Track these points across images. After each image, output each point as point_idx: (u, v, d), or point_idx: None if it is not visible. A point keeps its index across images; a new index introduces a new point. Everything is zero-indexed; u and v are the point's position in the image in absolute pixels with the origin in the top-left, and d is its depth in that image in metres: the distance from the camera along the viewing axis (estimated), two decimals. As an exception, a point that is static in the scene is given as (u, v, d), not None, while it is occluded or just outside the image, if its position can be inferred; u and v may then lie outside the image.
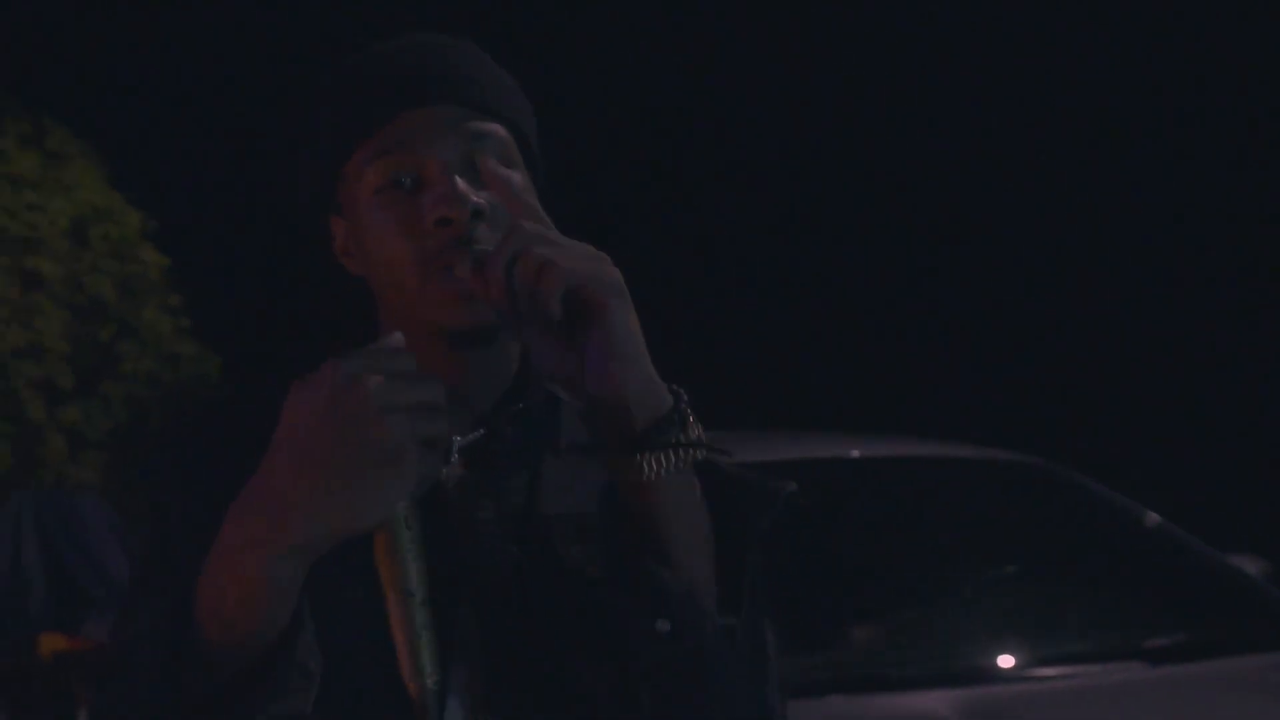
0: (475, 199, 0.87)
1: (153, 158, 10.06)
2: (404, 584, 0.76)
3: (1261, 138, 9.13)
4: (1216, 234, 9.25)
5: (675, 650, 0.80)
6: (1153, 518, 2.92)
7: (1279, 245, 8.78)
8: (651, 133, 10.89)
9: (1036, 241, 9.85)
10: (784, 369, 9.87)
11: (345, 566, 0.79)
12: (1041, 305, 9.72)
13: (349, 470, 0.72)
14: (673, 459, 0.81)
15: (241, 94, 10.59)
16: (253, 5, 11.15)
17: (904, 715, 2.03)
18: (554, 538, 0.88)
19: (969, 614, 2.57)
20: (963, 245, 9.97)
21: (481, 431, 0.90)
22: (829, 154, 10.48)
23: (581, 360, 0.81)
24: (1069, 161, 9.96)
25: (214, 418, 1.01)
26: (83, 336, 8.88)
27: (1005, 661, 2.29)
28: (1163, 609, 2.77)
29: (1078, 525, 3.04)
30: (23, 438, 8.36)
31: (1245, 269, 9.08)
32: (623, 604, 0.82)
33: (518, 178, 0.90)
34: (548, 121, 1.06)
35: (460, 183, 0.88)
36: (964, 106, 10.25)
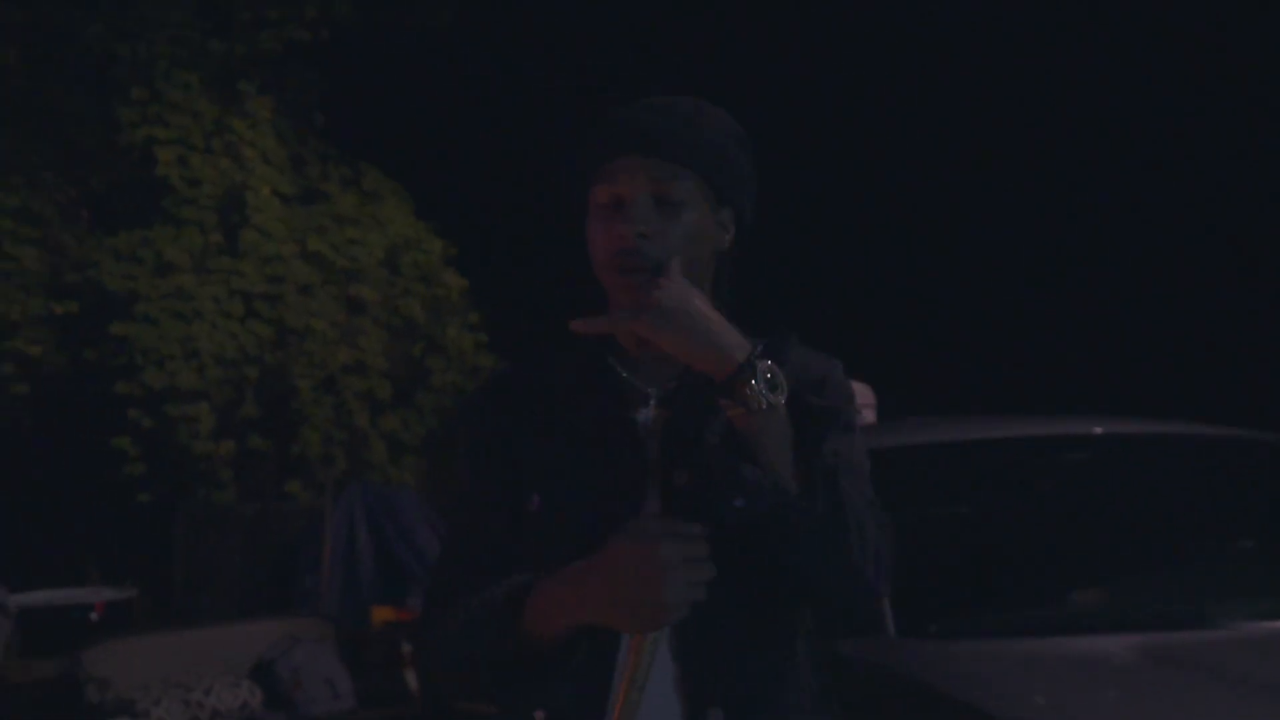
0: (641, 227, 1.27)
1: (452, 192, 10.78)
2: (636, 677, 1.18)
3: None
4: None
5: (749, 517, 1.18)
6: None
7: None
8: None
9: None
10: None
11: None
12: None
13: (633, 609, 1.14)
14: (737, 399, 1.19)
15: (524, 136, 11.44)
16: (534, 61, 11.98)
17: (1086, 655, 2.22)
18: (709, 459, 1.26)
19: (1176, 574, 2.70)
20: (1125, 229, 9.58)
21: (672, 386, 1.31)
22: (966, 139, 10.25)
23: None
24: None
25: (498, 380, 1.45)
26: (398, 353, 9.40)
27: (1192, 613, 2.40)
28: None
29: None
30: (352, 444, 8.86)
31: None
32: (715, 489, 1.21)
33: (688, 217, 1.29)
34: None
35: (637, 212, 1.27)
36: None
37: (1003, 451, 3.06)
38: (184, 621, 6.19)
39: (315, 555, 6.70)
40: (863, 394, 7.06)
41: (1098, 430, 3.20)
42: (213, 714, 4.76)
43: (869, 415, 6.82)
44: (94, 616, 6.02)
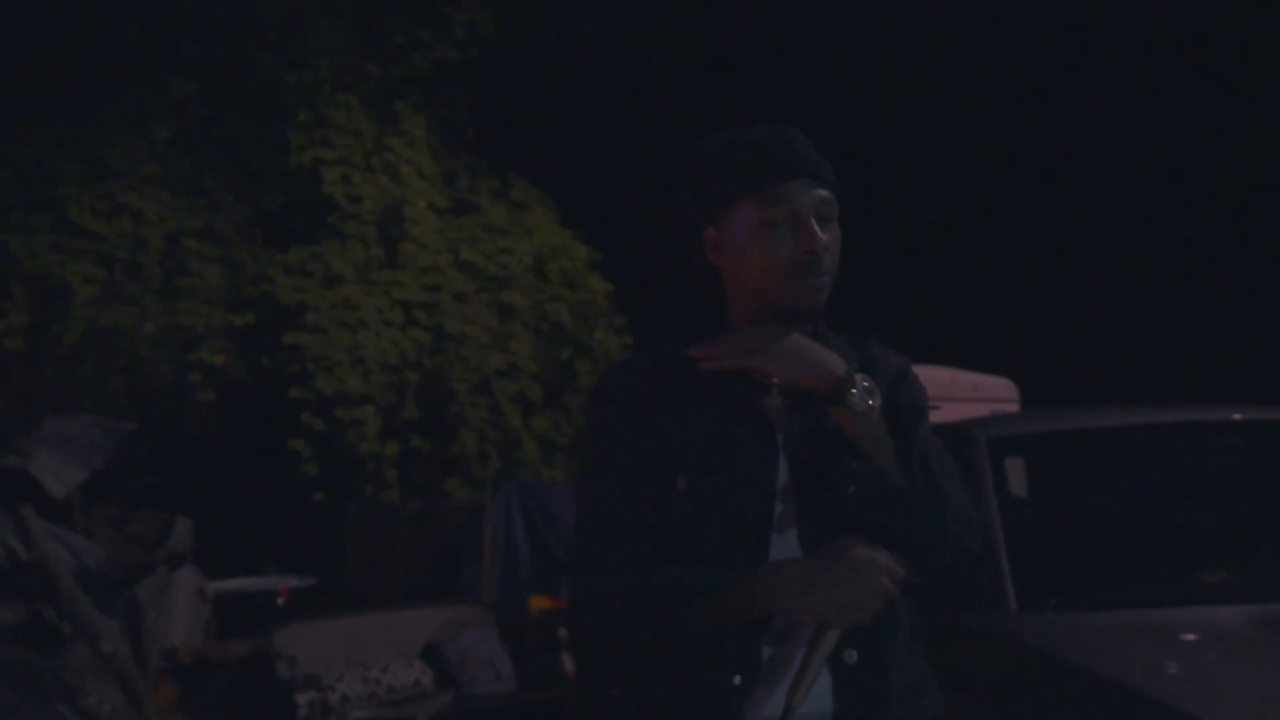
0: (824, 237, 1.47)
1: (595, 200, 11.06)
2: (817, 658, 1.36)
3: None
4: None
5: (858, 503, 1.41)
6: None
7: None
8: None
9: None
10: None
11: None
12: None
13: (845, 606, 1.35)
14: (839, 409, 1.41)
15: (663, 143, 11.72)
16: (670, 71, 12.22)
17: (1203, 623, 2.34)
18: (828, 445, 1.46)
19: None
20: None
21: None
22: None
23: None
24: None
25: (633, 367, 1.58)
26: (547, 357, 9.74)
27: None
28: None
29: None
30: (506, 443, 9.34)
31: None
32: (831, 479, 1.43)
33: (836, 230, 1.49)
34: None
35: (817, 228, 1.46)
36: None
37: (1144, 437, 3.15)
38: (361, 607, 6.62)
39: (475, 548, 7.04)
40: (1007, 389, 7.12)
41: (1236, 416, 3.27)
42: (389, 690, 5.14)
43: (1012, 408, 6.87)
44: (280, 601, 6.51)
